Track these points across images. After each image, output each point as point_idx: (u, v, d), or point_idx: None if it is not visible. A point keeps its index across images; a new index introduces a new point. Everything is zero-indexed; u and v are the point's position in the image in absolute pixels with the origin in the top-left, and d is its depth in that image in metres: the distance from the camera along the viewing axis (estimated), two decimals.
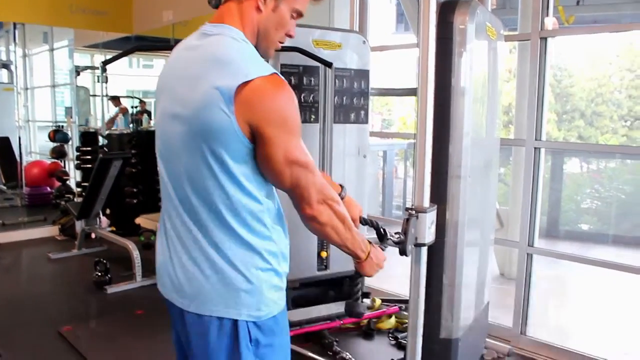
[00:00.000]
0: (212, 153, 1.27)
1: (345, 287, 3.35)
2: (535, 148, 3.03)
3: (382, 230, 1.76)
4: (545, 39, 2.96)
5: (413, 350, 2.03)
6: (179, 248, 1.38)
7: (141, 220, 5.67)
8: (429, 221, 2.02)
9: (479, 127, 2.51)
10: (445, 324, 2.41)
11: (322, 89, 3.13)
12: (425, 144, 2.04)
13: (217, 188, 1.29)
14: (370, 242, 1.56)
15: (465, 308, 2.46)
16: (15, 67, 8.06)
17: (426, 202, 2.04)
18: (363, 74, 3.27)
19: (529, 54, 3.04)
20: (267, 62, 1.38)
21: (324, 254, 3.26)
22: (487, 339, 3.06)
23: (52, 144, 6.88)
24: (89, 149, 5.79)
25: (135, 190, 5.25)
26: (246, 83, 1.23)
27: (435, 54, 2.01)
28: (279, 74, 1.29)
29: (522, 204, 3.09)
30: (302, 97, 3.08)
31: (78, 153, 5.89)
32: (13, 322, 3.53)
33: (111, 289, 4.10)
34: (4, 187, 7.16)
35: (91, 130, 6.10)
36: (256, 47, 1.39)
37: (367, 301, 3.49)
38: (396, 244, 1.87)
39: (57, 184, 6.68)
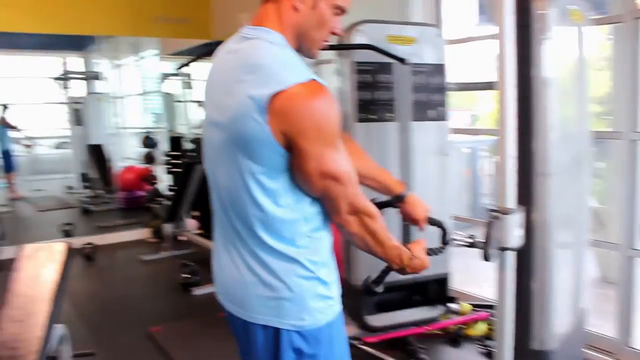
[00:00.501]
0: (247, 163, 1.25)
1: (431, 290, 3.23)
2: (632, 140, 2.76)
3: (446, 232, 1.69)
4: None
5: None
6: (226, 255, 1.38)
7: None
8: (514, 223, 1.87)
9: (566, 119, 2.32)
10: (536, 334, 2.24)
11: (398, 86, 3.02)
12: (506, 140, 1.90)
13: (249, 200, 1.27)
14: (409, 250, 1.47)
15: (558, 316, 2.28)
16: (107, 77, 8.51)
17: (510, 203, 1.89)
18: (439, 69, 3.13)
19: (623, 38, 2.78)
20: (314, 61, 1.39)
21: None
22: (587, 351, 2.83)
23: (144, 149, 7.18)
24: (177, 153, 5.99)
25: None
26: (280, 92, 1.18)
27: (515, 43, 1.87)
28: (318, 79, 1.23)
29: (622, 202, 2.83)
30: (377, 95, 2.99)
31: (167, 158, 6.11)
32: (106, 322, 3.69)
33: (197, 291, 4.19)
34: (103, 192, 7.54)
35: (177, 135, 6.31)
36: (298, 48, 1.34)
37: (454, 306, 3.34)
38: (469, 245, 1.76)
39: (149, 188, 6.97)
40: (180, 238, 5.28)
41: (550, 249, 2.19)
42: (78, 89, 8.50)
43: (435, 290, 3.24)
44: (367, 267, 2.95)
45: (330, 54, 3.22)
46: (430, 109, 3.15)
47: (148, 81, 8.09)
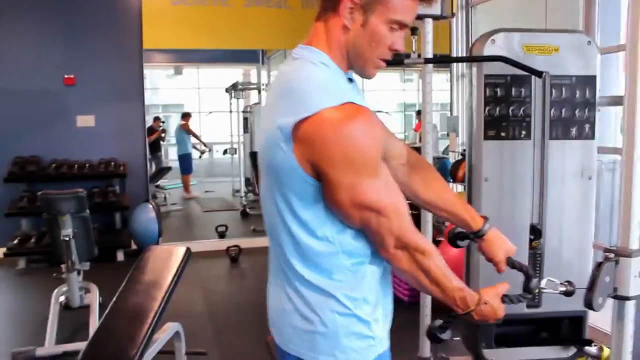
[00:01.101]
0: (280, 192, 1.19)
1: (563, 329, 2.85)
2: None
3: (530, 278, 1.45)
4: None
5: None
6: (272, 282, 1.34)
7: None
8: (636, 268, 1.56)
9: None
10: None
11: (535, 101, 2.70)
12: (633, 167, 1.60)
13: (284, 229, 1.21)
14: (479, 295, 1.28)
15: None
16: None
17: (635, 244, 1.59)
18: (587, 81, 2.73)
19: None
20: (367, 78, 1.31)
21: None
22: None
23: None
24: None
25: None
26: (306, 118, 1.09)
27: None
28: (355, 102, 1.12)
29: None
30: (510, 111, 2.71)
31: None
32: (231, 324, 3.83)
33: None
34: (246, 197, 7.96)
35: None
36: (353, 68, 1.25)
37: (592, 349, 2.91)
38: (563, 293, 1.48)
39: None
40: None
41: None
42: (249, 99, 9.11)
43: (569, 329, 2.85)
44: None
45: (464, 66, 3.01)
46: (574, 126, 2.78)
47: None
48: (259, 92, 9.02)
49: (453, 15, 2.72)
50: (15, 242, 5.16)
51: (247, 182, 8.60)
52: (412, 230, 1.20)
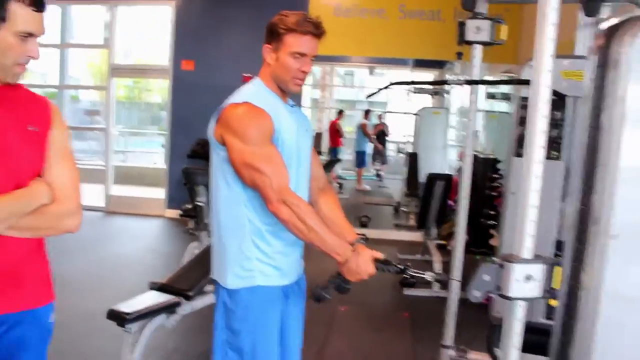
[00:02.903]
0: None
1: None
2: None
3: (399, 267, 1.86)
4: None
5: None
6: None
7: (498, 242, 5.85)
8: (519, 274, 1.84)
9: None
10: None
11: (569, 123, 2.85)
12: (529, 185, 1.87)
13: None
14: (356, 249, 1.75)
15: None
16: (449, 94, 9.23)
17: (525, 252, 1.86)
18: None
19: None
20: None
21: (553, 303, 2.94)
22: None
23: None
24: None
25: (491, 212, 5.56)
26: (223, 108, 1.78)
27: (593, 83, 1.83)
28: (252, 102, 1.75)
29: None
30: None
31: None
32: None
33: (408, 291, 4.60)
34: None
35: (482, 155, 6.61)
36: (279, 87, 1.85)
37: None
38: (436, 280, 1.86)
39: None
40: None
41: (598, 319, 1.91)
42: (423, 101, 9.53)
43: None
44: (502, 305, 2.95)
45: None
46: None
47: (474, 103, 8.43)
48: (432, 96, 9.38)
49: (503, 42, 2.96)
50: (188, 206, 6.40)
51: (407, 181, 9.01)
52: (289, 189, 1.72)
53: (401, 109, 10.74)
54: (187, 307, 2.96)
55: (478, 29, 2.93)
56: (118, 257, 5.45)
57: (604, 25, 1.88)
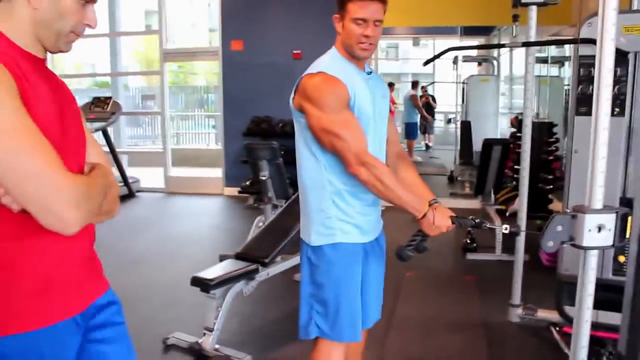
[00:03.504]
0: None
1: None
2: None
3: (474, 221, 1.93)
4: None
5: None
6: None
7: (559, 207, 5.84)
8: (591, 223, 1.91)
9: None
10: None
11: (631, 80, 2.85)
12: (598, 138, 1.93)
13: None
14: (432, 206, 1.85)
15: None
16: (498, 61, 9.11)
17: (596, 203, 1.93)
18: None
19: None
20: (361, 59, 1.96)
21: (621, 258, 2.98)
22: None
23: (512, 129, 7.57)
24: (519, 135, 6.26)
25: (549, 177, 5.56)
26: (301, 79, 1.90)
27: None
28: (327, 72, 1.86)
29: None
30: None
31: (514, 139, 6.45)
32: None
33: (471, 256, 4.68)
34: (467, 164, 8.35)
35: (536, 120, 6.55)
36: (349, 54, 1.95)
37: None
38: (509, 234, 1.96)
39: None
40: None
41: None
42: (469, 70, 9.43)
43: None
44: (571, 262, 3.01)
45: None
46: None
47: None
48: (479, 64, 9.27)
49: (557, 2, 2.96)
50: (247, 183, 6.61)
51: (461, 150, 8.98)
52: (367, 152, 1.84)
53: (447, 78, 10.66)
54: (263, 274, 3.14)
55: None
56: (184, 234, 5.70)
57: None
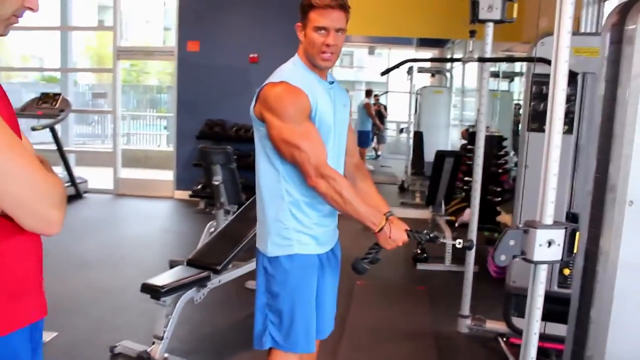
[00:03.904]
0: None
1: None
2: None
3: (429, 235, 1.98)
4: None
5: None
6: None
7: (507, 219, 5.99)
8: (542, 238, 1.96)
9: None
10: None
11: (579, 99, 2.96)
12: (550, 155, 1.98)
13: None
14: (387, 219, 1.87)
15: (628, 355, 2.11)
16: (451, 73, 9.31)
17: (547, 219, 1.98)
18: None
19: None
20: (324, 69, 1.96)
21: (566, 271, 3.08)
22: None
23: (463, 141, 7.74)
24: (470, 147, 6.41)
25: (498, 189, 5.70)
26: (262, 87, 1.87)
27: (607, 60, 1.97)
28: (289, 82, 1.84)
29: None
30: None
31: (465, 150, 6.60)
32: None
33: (421, 266, 4.75)
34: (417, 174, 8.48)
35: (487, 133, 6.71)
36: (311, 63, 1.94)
37: None
38: (463, 248, 2.00)
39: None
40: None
41: (620, 279, 2.04)
42: (422, 81, 9.60)
43: None
44: (519, 274, 3.09)
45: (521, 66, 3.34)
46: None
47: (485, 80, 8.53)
48: (432, 75, 9.46)
49: (513, 20, 3.06)
50: (198, 187, 6.53)
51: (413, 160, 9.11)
52: (327, 164, 1.83)
53: (400, 88, 10.81)
54: (215, 281, 3.09)
55: (490, 8, 3.03)
56: (133, 237, 5.57)
57: (615, 5, 2.00)
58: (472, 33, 3.05)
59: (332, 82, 2.02)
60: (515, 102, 8.26)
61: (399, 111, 11.54)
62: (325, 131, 1.91)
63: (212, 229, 4.54)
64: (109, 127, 8.72)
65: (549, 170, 1.96)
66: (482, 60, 3.11)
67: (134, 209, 6.92)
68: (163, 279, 2.87)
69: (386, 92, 11.98)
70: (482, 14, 3.03)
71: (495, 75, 7.92)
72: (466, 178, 6.18)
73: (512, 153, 6.57)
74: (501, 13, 3.03)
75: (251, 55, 6.83)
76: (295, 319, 1.96)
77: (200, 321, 3.44)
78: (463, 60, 3.24)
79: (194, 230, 5.31)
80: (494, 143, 5.93)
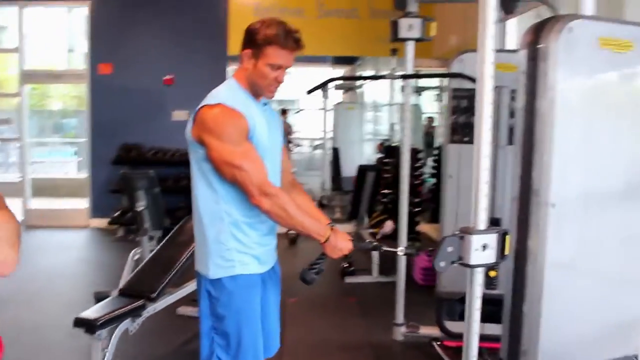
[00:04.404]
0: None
1: None
2: None
3: (372, 244, 2.17)
4: None
5: None
6: None
7: (427, 229, 6.22)
8: (477, 243, 2.06)
9: (598, 150, 2.28)
10: (524, 358, 2.29)
11: (498, 111, 3.15)
12: (480, 165, 2.09)
13: None
14: (333, 229, 1.95)
15: (559, 346, 2.28)
16: (363, 90, 9.58)
17: (480, 224, 2.08)
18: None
19: None
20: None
21: (492, 273, 3.25)
22: None
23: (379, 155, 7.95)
24: (388, 160, 6.63)
25: (417, 200, 5.91)
26: (199, 110, 1.87)
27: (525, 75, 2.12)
28: (226, 104, 1.85)
29: None
30: (472, 120, 3.18)
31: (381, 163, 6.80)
32: None
33: (349, 279, 4.83)
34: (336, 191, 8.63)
35: (393, 144, 6.96)
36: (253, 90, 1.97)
37: None
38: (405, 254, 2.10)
39: None
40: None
41: (549, 276, 2.20)
42: (337, 97, 9.81)
43: None
44: (449, 280, 3.23)
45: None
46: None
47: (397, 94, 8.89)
48: (345, 92, 9.69)
49: (431, 38, 3.23)
50: (117, 214, 6.30)
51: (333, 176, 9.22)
52: (269, 182, 1.85)
53: (312, 106, 10.94)
54: (150, 309, 3.00)
55: (410, 27, 3.18)
56: (51, 270, 5.27)
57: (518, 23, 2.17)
58: (394, 51, 3.19)
59: (266, 104, 2.05)
60: (424, 115, 8.65)
61: (311, 128, 11.68)
62: (262, 151, 1.93)
63: (137, 257, 4.41)
64: (12, 155, 8.21)
65: (480, 179, 2.08)
66: (405, 77, 3.25)
67: (48, 240, 6.56)
68: (96, 311, 2.75)
69: (299, 111, 12.10)
70: (403, 33, 3.18)
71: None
72: (384, 191, 6.40)
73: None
74: (420, 32, 3.18)
75: (166, 77, 6.73)
76: (242, 340, 1.96)
77: (135, 354, 3.32)
78: (387, 77, 3.40)
79: (114, 260, 5.14)
80: (411, 155, 6.17)
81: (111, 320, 2.72)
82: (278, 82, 1.93)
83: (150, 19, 6.81)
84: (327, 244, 1.94)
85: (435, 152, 6.64)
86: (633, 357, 2.49)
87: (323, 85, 3.54)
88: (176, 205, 6.32)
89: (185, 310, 3.73)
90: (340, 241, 1.96)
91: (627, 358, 2.46)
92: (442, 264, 2.07)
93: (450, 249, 2.07)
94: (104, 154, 6.73)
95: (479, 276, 2.13)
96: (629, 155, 2.37)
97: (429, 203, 6.46)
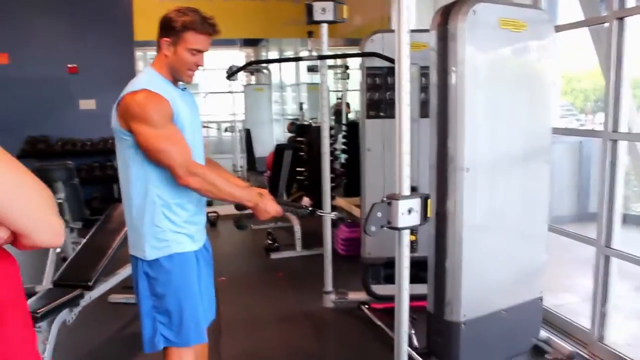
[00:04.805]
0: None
1: None
2: (612, 140, 2.84)
3: (304, 206, 2.37)
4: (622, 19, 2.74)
5: (398, 331, 2.34)
6: None
7: (343, 203, 6.46)
8: (403, 208, 2.27)
9: (501, 119, 2.57)
10: (449, 307, 2.57)
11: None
12: (402, 137, 2.29)
13: None
14: (262, 195, 2.11)
15: (477, 294, 2.57)
16: (269, 70, 9.66)
17: (405, 191, 2.28)
18: None
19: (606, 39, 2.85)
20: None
21: (412, 237, 3.52)
22: (558, 339, 3.01)
23: (289, 134, 8.08)
24: (301, 139, 6.80)
25: (332, 175, 6.12)
26: (122, 97, 1.94)
27: (436, 54, 2.33)
28: (149, 89, 1.93)
29: (598, 200, 2.92)
30: (387, 95, 3.42)
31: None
32: None
33: (274, 255, 4.99)
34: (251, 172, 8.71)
35: (304, 122, 7.14)
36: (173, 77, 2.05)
37: None
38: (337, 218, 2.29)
39: None
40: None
41: (465, 233, 2.48)
42: (244, 79, 9.82)
43: None
44: (373, 246, 3.46)
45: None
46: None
47: (303, 74, 9.05)
48: (252, 74, 9.73)
49: (344, 20, 3.42)
50: None
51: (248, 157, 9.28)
52: (194, 162, 1.96)
53: (218, 88, 10.84)
54: (87, 298, 3.02)
55: (324, 10, 3.34)
56: None
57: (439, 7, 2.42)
58: (310, 33, 3.33)
59: (184, 89, 2.13)
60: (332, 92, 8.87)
61: (218, 111, 11.59)
62: (186, 133, 2.02)
63: (59, 250, 4.34)
64: None
65: (402, 150, 2.28)
66: (321, 57, 3.42)
67: None
68: (33, 303, 2.74)
69: (207, 94, 11.95)
70: (317, 16, 3.33)
71: (311, 69, 8.40)
72: (299, 168, 6.58)
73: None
74: (333, 14, 3.35)
75: (70, 65, 6.49)
76: (184, 315, 2.07)
77: (75, 345, 3.30)
78: (304, 59, 3.54)
79: (32, 253, 4.92)
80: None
81: (50, 312, 2.73)
82: (197, 65, 2.02)
83: (49, 4, 6.51)
84: (257, 208, 2.09)
85: (344, 128, 6.86)
86: (539, 300, 2.86)
87: (243, 68, 3.61)
88: (91, 195, 6.18)
89: (117, 297, 3.74)
90: (270, 204, 2.11)
91: (534, 300, 2.82)
92: (373, 228, 2.28)
93: (379, 214, 2.27)
94: (8, 149, 6.26)
95: (406, 237, 2.35)
96: (525, 121, 2.70)
97: (342, 178, 6.71)
